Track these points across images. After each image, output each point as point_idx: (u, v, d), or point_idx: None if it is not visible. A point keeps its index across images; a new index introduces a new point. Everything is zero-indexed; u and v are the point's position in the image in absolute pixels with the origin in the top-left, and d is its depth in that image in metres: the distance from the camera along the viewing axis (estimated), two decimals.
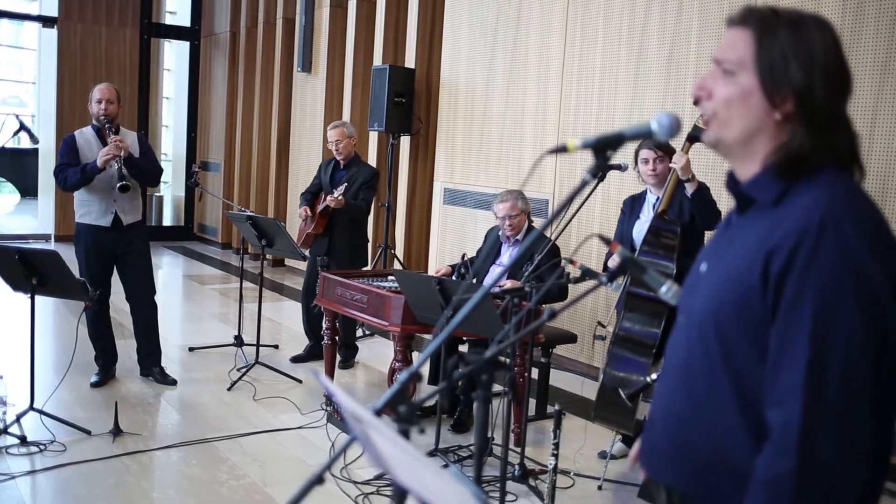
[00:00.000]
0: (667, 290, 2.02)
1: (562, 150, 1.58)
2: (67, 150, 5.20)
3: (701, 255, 1.66)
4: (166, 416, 4.93)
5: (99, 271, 5.25)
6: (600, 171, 1.56)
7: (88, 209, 5.24)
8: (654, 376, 3.29)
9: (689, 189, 4.11)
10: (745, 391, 1.44)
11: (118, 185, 5.06)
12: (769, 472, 1.36)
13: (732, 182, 1.59)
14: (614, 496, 4.17)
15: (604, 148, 1.55)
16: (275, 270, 10.40)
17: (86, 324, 5.34)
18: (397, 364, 4.52)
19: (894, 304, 1.36)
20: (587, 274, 3.22)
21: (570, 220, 4.00)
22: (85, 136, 5.28)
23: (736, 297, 1.44)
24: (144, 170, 5.28)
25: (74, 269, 4.77)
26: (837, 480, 1.33)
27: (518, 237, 4.96)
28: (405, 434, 1.62)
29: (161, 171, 5.56)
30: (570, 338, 5.29)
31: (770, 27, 1.47)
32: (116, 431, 4.46)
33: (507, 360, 4.19)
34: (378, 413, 1.61)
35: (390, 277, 5.18)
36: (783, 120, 1.47)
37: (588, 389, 5.35)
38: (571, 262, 3.34)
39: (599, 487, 4.19)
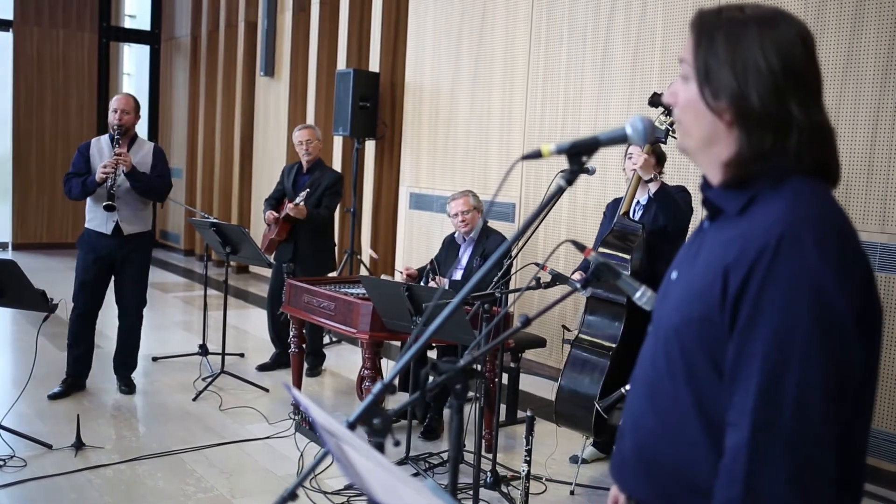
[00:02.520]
0: (641, 296, 2.01)
1: (536, 155, 1.54)
2: (79, 158, 5.24)
3: (674, 261, 1.63)
4: (130, 428, 4.83)
5: (93, 277, 5.21)
6: (575, 176, 1.52)
7: (94, 215, 5.22)
8: (627, 387, 3.27)
9: (652, 188, 4.11)
10: (707, 409, 1.39)
11: (104, 203, 5.02)
12: (720, 498, 1.33)
13: (705, 188, 1.57)
14: (587, 501, 4.15)
15: (579, 153, 1.52)
16: (239, 277, 10.27)
17: (67, 328, 5.27)
18: (366, 372, 4.47)
19: (857, 325, 1.31)
20: (558, 279, 3.20)
21: (538, 225, 3.98)
22: (100, 144, 5.29)
23: (697, 313, 1.39)
24: (148, 185, 5.21)
25: (40, 277, 4.67)
26: None
27: (472, 235, 4.97)
28: (380, 447, 1.58)
29: (169, 186, 5.45)
30: (540, 342, 5.27)
31: (708, 31, 1.43)
32: (79, 445, 4.35)
33: (480, 368, 4.16)
34: (352, 426, 1.57)
35: (359, 284, 5.12)
36: (729, 127, 1.41)
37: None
38: (542, 266, 3.31)
39: (572, 492, 4.17)
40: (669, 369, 1.46)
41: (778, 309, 1.29)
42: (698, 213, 4.67)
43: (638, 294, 1.96)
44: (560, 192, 1.53)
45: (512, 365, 5.11)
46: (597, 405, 3.48)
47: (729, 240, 1.39)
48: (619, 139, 1.51)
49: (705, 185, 1.54)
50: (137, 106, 5.28)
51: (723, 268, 1.35)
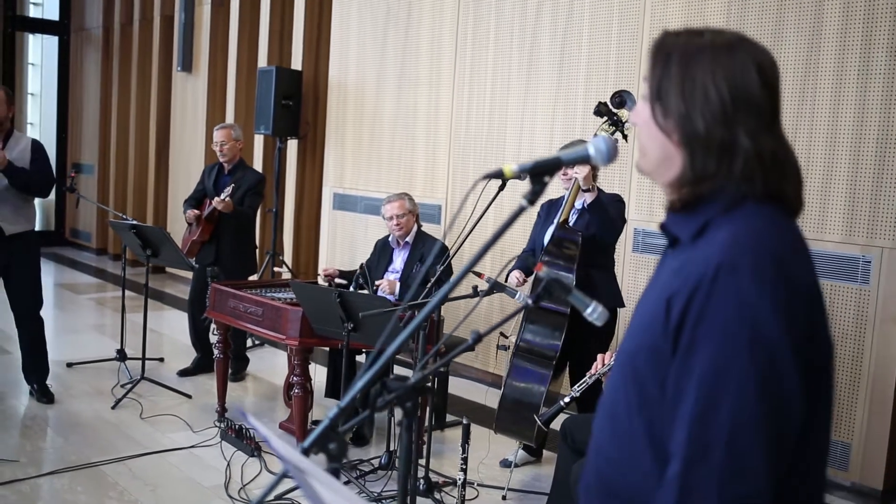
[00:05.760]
0: (592, 311, 2.00)
1: (498, 175, 1.53)
2: None
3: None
4: (46, 439, 4.62)
5: None
6: (536, 196, 1.51)
7: None
8: (567, 399, 3.28)
9: (588, 199, 4.10)
10: (657, 438, 1.39)
11: None
12: None
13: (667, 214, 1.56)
14: None
15: (541, 173, 1.50)
16: (155, 278, 9.95)
17: None
18: (296, 379, 4.38)
19: (795, 357, 1.28)
20: (495, 287, 3.20)
21: (472, 230, 3.96)
22: None
23: (647, 342, 1.39)
24: (28, 181, 4.96)
25: None
26: None
27: (408, 239, 4.93)
28: (336, 472, 1.55)
29: (52, 181, 5.21)
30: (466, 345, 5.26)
31: (665, 53, 1.44)
32: None
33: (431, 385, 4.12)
34: (306, 451, 1.53)
35: (285, 288, 5.03)
36: (677, 148, 1.42)
37: (492, 398, 5.33)
38: (479, 275, 3.31)
39: (504, 497, 4.17)
40: (625, 397, 1.45)
41: (712, 342, 1.28)
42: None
43: (589, 310, 1.95)
44: (521, 211, 1.51)
45: (441, 369, 5.09)
46: (536, 418, 3.48)
47: (675, 268, 1.39)
48: (582, 160, 1.50)
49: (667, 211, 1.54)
50: (10, 98, 5.02)
51: (666, 297, 1.35)
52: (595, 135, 4.19)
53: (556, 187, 4.83)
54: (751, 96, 1.39)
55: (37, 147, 5.12)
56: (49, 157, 5.26)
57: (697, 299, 1.30)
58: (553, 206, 4.56)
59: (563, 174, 4.31)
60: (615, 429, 1.48)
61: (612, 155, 1.49)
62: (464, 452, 3.42)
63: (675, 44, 1.45)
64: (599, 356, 3.21)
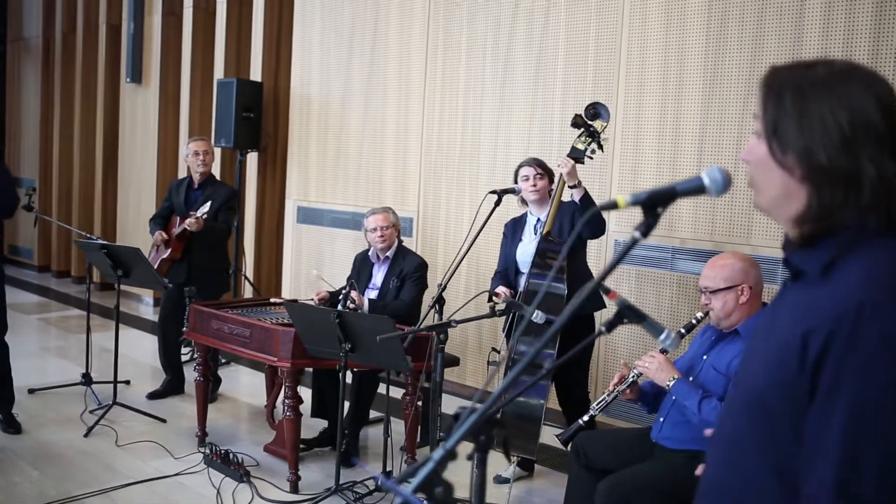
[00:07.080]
0: (665, 338, 1.97)
1: (612, 206, 1.48)
2: None
3: (762, 317, 1.59)
4: (21, 473, 4.38)
5: None
6: (650, 229, 1.47)
7: None
8: (586, 418, 3.25)
9: (577, 195, 4.11)
10: (786, 474, 1.37)
11: None
12: None
13: (787, 247, 1.53)
14: None
15: (655, 205, 1.46)
16: (104, 294, 9.65)
17: None
18: (288, 401, 4.26)
19: None
20: (512, 306, 3.16)
21: (470, 247, 3.91)
22: None
23: (779, 379, 1.37)
24: None
25: None
26: None
27: (388, 253, 4.88)
28: None
29: (15, 201, 5.01)
30: (454, 361, 5.20)
31: (778, 88, 1.42)
32: None
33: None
34: (414, 493, 1.48)
35: (266, 308, 4.90)
36: (801, 183, 1.40)
37: None
38: (496, 294, 3.25)
39: None
40: (750, 431, 1.43)
41: (858, 379, 1.26)
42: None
43: (662, 336, 1.92)
44: (635, 242, 1.47)
45: (426, 385, 5.01)
46: (556, 437, 3.45)
47: (810, 304, 1.36)
48: (697, 190, 1.46)
49: (787, 244, 1.50)
50: None
51: (802, 333, 1.33)
52: (572, 146, 4.19)
53: (513, 206, 4.81)
54: (870, 123, 1.37)
55: None
56: (12, 176, 5.03)
57: (839, 339, 1.27)
58: (518, 223, 4.56)
59: (533, 185, 4.32)
60: (734, 462, 1.46)
61: (727, 184, 1.45)
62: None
63: (787, 79, 1.42)
64: (618, 374, 3.19)
